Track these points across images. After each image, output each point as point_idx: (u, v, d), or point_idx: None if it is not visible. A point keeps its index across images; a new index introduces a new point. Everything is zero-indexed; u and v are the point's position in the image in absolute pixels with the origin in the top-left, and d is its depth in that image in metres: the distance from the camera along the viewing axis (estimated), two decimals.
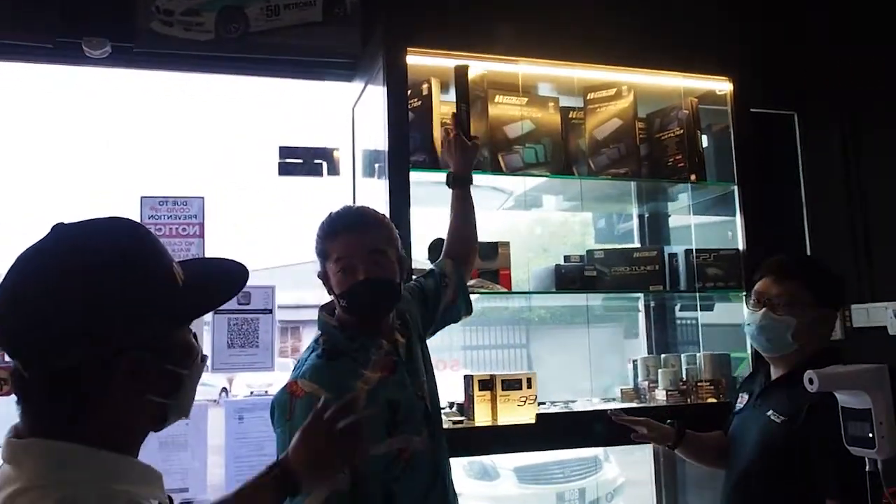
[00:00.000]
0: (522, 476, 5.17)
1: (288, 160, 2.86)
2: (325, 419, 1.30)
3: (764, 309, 1.94)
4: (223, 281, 0.96)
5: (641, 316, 3.15)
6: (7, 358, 0.87)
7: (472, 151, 2.18)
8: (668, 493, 3.03)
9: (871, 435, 1.55)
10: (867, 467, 1.59)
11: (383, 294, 1.69)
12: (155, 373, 0.87)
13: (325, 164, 2.90)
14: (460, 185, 2.15)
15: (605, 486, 5.63)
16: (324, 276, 1.72)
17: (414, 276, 2.11)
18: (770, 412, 1.90)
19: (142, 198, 2.66)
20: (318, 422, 1.31)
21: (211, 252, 2.93)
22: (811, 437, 1.79)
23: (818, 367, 1.87)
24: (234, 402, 2.74)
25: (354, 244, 1.66)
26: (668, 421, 2.20)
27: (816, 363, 1.87)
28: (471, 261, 2.18)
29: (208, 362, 3.09)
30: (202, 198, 2.88)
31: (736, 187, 2.70)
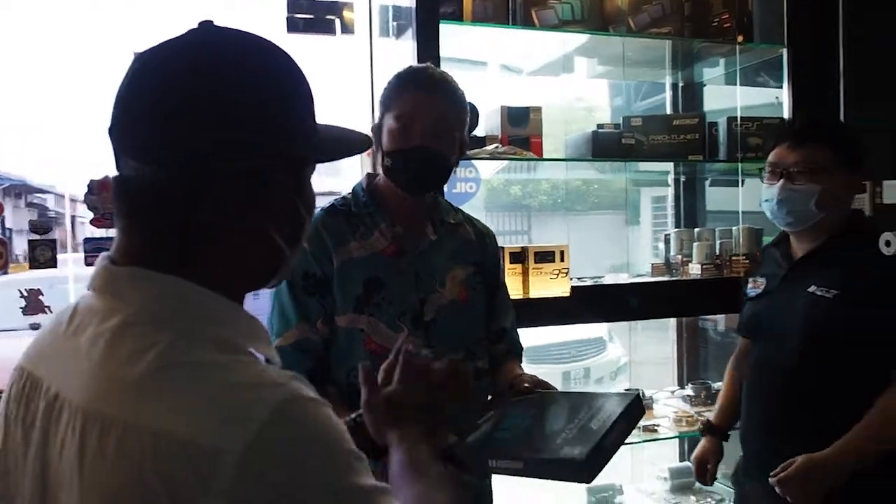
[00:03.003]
0: (531, 356, 5.20)
1: (297, 15, 2.62)
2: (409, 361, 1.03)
3: (782, 180, 1.76)
4: (353, 137, 0.83)
5: (671, 191, 3.02)
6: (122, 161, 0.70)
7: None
8: (690, 370, 3.01)
9: None
10: None
11: (432, 168, 1.53)
12: (286, 205, 0.73)
13: (338, 21, 2.67)
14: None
15: (609, 365, 5.71)
16: (377, 130, 1.57)
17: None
18: (812, 288, 1.71)
19: (135, 53, 2.43)
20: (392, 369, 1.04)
21: None
22: (880, 309, 1.63)
23: (854, 234, 1.74)
24: None
25: (422, 105, 1.50)
26: (699, 430, 2.10)
27: (851, 230, 1.76)
28: None
29: None
30: None
31: (785, 50, 2.51)
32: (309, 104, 0.75)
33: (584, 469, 1.05)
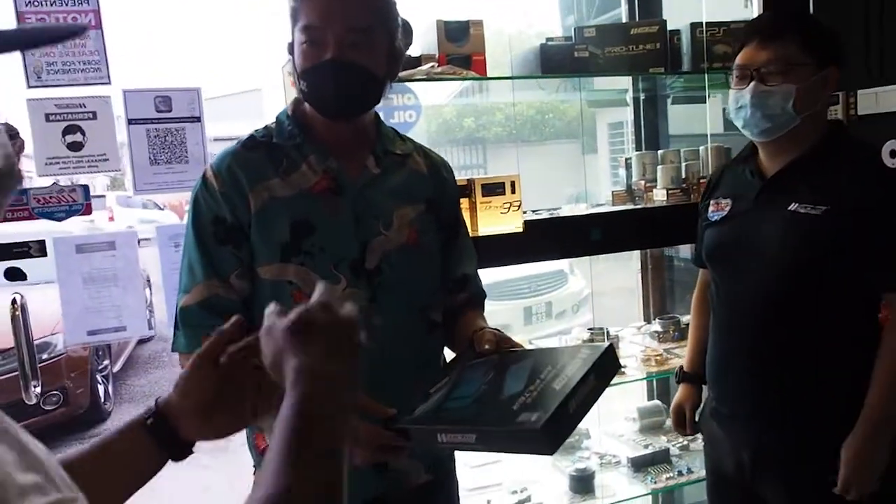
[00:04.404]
0: (490, 293, 5.03)
1: None
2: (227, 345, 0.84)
3: (753, 83, 1.54)
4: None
5: (629, 111, 2.77)
6: None
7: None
8: (656, 303, 2.82)
9: None
10: None
11: (353, 84, 1.26)
12: None
13: None
14: None
15: (571, 298, 5.58)
16: (291, 49, 1.30)
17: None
18: (794, 206, 1.51)
19: None
20: (216, 348, 0.84)
21: (114, 51, 2.37)
22: (872, 224, 1.44)
23: (835, 146, 1.53)
24: (167, 227, 2.33)
25: (332, 11, 1.22)
26: (676, 378, 1.94)
27: (831, 141, 1.55)
28: None
29: (129, 183, 2.56)
30: None
31: None
32: None
33: (541, 439, 0.86)
